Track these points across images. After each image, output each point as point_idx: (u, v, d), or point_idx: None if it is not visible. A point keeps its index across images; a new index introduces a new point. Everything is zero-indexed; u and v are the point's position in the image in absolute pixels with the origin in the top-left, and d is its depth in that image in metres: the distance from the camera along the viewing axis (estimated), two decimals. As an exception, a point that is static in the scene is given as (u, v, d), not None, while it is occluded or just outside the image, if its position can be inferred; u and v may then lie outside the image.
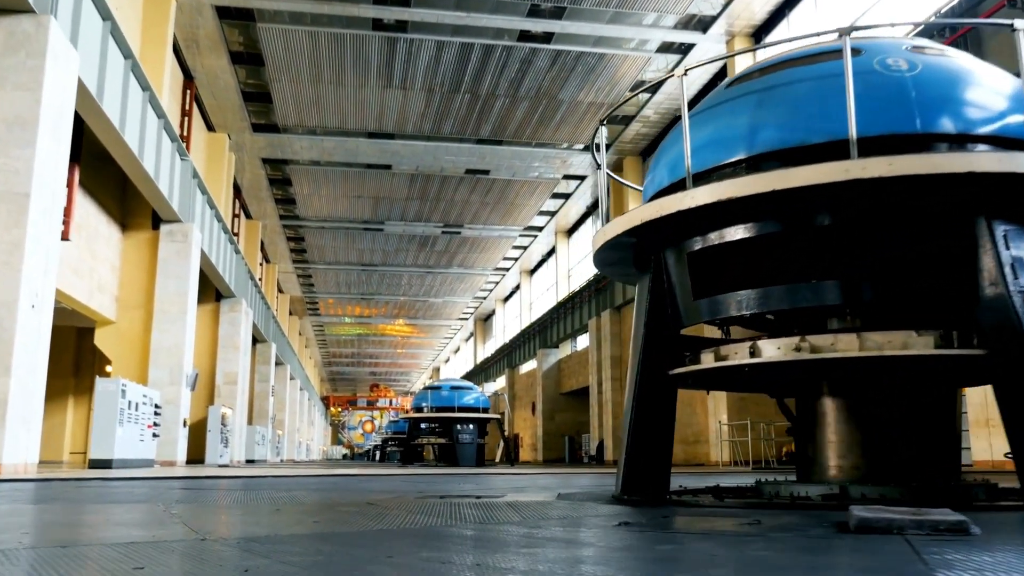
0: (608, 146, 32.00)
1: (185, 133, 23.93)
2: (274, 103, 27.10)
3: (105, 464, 14.45)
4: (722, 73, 25.39)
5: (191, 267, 19.45)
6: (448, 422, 24.36)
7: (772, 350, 4.12)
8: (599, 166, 5.43)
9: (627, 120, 29.44)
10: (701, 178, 4.28)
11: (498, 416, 26.97)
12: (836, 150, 3.88)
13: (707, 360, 4.50)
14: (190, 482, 8.91)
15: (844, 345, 3.92)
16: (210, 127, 28.42)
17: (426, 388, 25.89)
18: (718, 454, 22.69)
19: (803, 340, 4.01)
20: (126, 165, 16.19)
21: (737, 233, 4.16)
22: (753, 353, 4.18)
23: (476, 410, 24.70)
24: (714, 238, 4.28)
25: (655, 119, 29.31)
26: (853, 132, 3.67)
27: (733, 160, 4.25)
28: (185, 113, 24.41)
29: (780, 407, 5.21)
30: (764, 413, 21.74)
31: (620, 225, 4.54)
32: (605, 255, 5.01)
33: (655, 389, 4.69)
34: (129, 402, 15.31)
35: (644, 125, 29.80)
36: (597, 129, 5.47)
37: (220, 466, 20.61)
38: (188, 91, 24.66)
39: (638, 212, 4.37)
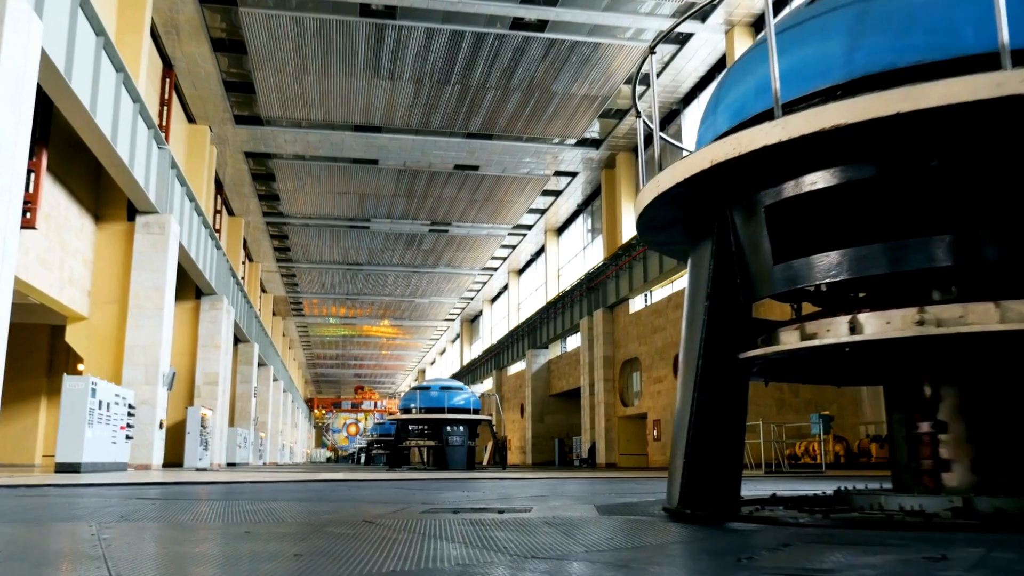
0: (601, 141, 31.22)
1: (164, 123, 22.94)
2: (257, 94, 26.14)
3: (73, 468, 13.46)
4: (721, 64, 24.66)
5: (168, 260, 18.46)
6: (438, 424, 23.39)
7: (879, 325, 3.25)
8: (638, 114, 4.56)
9: (621, 114, 28.66)
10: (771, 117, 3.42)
11: (489, 417, 26.05)
12: (957, 70, 3.05)
13: (789, 340, 3.62)
14: (156, 489, 7.91)
15: (978, 317, 3.08)
16: (191, 119, 27.42)
17: (414, 388, 24.87)
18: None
19: (922, 311, 3.17)
20: (98, 150, 15.21)
21: (833, 178, 3.30)
22: (854, 329, 3.33)
23: (467, 411, 23.73)
24: (803, 186, 3.41)
25: (650, 112, 28.50)
26: (1004, 36, 2.82)
27: (823, 88, 3.37)
28: (164, 102, 23.41)
29: (888, 398, 4.23)
30: (764, 414, 21.01)
31: (682, 171, 3.64)
32: (654, 215, 4.10)
33: (723, 376, 3.82)
34: (100, 402, 14.32)
35: (638, 119, 29.00)
36: (643, 60, 4.58)
37: (198, 470, 19.64)
38: (167, 79, 23.66)
39: (706, 152, 3.47)
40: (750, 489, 6.81)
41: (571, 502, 5.39)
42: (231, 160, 31.14)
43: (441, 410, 23.42)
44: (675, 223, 4.20)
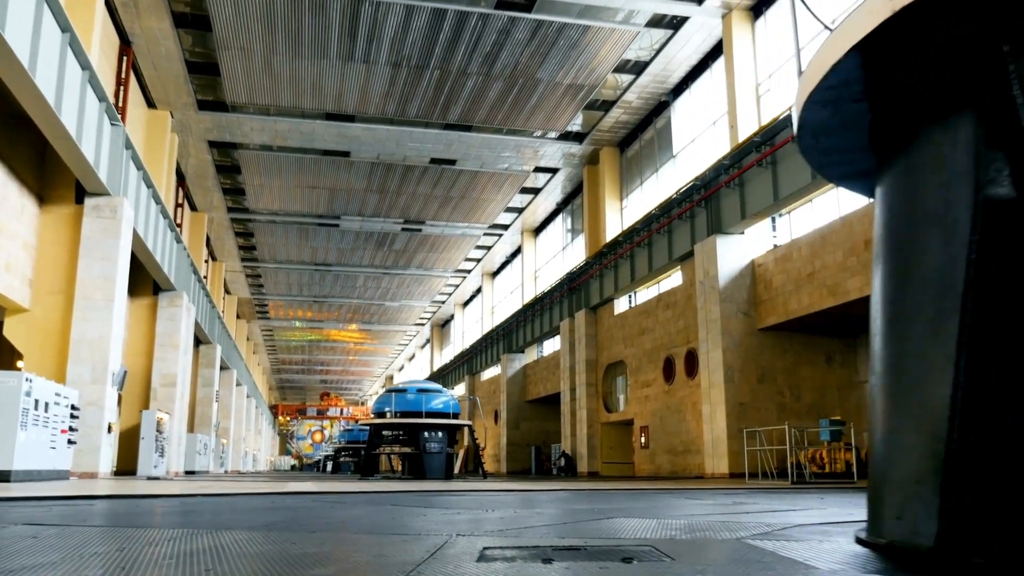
0: (584, 135, 29.88)
1: (121, 105, 21.21)
2: (222, 76, 24.45)
3: (2, 477, 11.75)
4: (716, 51, 23.44)
5: (120, 247, 16.74)
6: (415, 429, 21.76)
7: None
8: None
9: (607, 106, 27.36)
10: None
11: (470, 423, 24.47)
12: None
13: None
14: (74, 508, 6.16)
15: None
16: (150, 103, 25.67)
17: (389, 390, 23.15)
18: (713, 465, 20.56)
19: None
20: (40, 119, 13.54)
21: None
22: None
23: (446, 416, 22.11)
24: None
25: (637, 105, 27.27)
26: None
27: None
28: (121, 82, 21.69)
29: None
30: (765, 420, 19.76)
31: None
32: (841, 92, 2.55)
33: (1012, 327, 2.28)
34: (36, 401, 12.60)
35: (625, 112, 27.77)
36: None
37: (151, 479, 17.89)
38: (125, 57, 21.95)
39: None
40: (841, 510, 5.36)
41: (689, 534, 3.68)
42: (194, 150, 29.38)
43: (418, 414, 21.78)
44: (864, 110, 2.68)
